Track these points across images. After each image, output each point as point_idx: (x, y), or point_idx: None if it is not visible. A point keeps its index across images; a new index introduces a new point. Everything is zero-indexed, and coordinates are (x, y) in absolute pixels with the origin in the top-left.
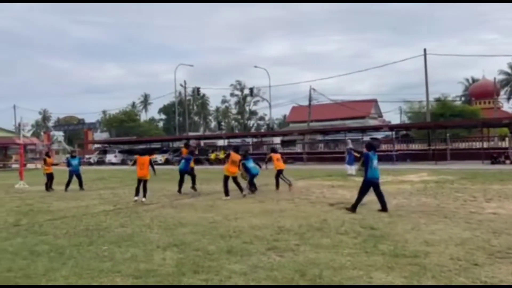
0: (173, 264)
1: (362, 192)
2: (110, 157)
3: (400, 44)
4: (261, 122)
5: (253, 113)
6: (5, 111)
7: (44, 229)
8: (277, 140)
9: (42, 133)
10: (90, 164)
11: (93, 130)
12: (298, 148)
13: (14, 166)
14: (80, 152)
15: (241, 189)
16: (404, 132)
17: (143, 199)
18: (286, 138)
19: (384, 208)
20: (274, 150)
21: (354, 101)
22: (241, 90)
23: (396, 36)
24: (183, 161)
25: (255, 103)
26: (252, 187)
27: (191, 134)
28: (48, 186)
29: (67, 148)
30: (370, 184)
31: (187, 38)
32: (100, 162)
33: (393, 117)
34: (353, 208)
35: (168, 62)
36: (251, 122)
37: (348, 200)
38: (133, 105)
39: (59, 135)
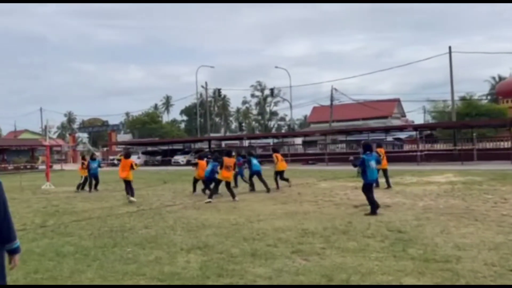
0: (197, 267)
1: (367, 194)
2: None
3: (424, 42)
4: (282, 123)
5: (273, 113)
6: (33, 113)
7: (69, 230)
8: (299, 140)
9: (67, 135)
10: (114, 165)
11: (116, 132)
12: (319, 149)
13: (41, 167)
14: (104, 153)
15: (233, 196)
16: (428, 132)
17: (132, 198)
18: (308, 138)
19: (373, 211)
20: (276, 150)
21: (376, 101)
22: (262, 91)
23: (420, 34)
24: (208, 170)
25: (276, 103)
26: (251, 186)
27: (212, 135)
28: (81, 187)
29: (91, 149)
30: (370, 185)
31: (209, 40)
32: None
33: (417, 116)
34: (373, 212)
35: (190, 64)
36: (272, 123)
37: None
38: (155, 106)
39: (83, 136)
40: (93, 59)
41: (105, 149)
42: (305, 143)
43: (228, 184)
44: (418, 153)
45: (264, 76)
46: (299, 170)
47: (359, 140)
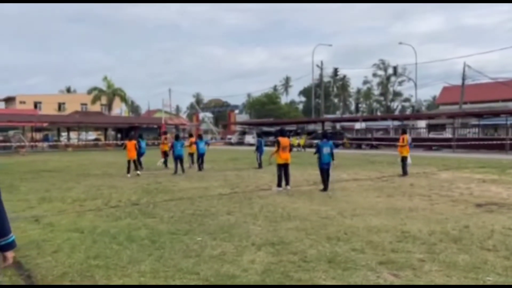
0: (259, 270)
1: (321, 174)
2: (248, 138)
3: None
4: (407, 104)
5: (397, 94)
6: (163, 94)
7: (155, 211)
8: (422, 123)
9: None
10: (230, 144)
11: (235, 112)
12: (447, 133)
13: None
14: (224, 133)
15: (288, 182)
16: None
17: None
18: (433, 121)
19: (325, 189)
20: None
21: None
22: (385, 69)
23: None
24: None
25: (400, 83)
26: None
27: (327, 116)
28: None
29: (212, 129)
30: (322, 169)
31: (330, 19)
32: (240, 143)
33: None
34: (324, 189)
35: (311, 44)
36: (395, 104)
37: (504, 200)
38: (275, 88)
39: (208, 116)
40: (221, 43)
41: (221, 129)
42: (430, 127)
43: (286, 167)
44: None
45: (389, 54)
46: (419, 157)
47: (496, 124)
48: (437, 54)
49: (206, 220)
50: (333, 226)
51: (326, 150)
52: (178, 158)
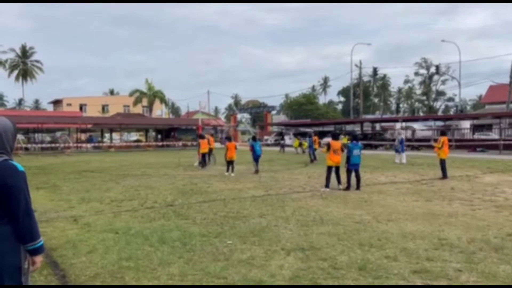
0: (287, 276)
1: (347, 174)
2: (285, 139)
3: None
4: (450, 104)
5: (440, 93)
6: (202, 95)
7: (188, 213)
8: (466, 124)
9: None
10: (267, 145)
11: (272, 113)
12: (494, 134)
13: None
14: (261, 134)
15: (339, 181)
16: None
17: (232, 174)
18: (477, 122)
19: (357, 187)
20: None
21: None
22: (427, 68)
23: None
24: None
25: (444, 82)
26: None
27: (366, 116)
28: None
29: (249, 130)
30: (352, 168)
31: (373, 15)
32: (276, 144)
33: None
34: (347, 187)
35: (351, 43)
36: (438, 104)
37: None
38: (313, 88)
39: (246, 117)
40: (260, 43)
41: (259, 130)
42: (475, 127)
43: (336, 170)
44: None
45: (433, 52)
46: (462, 159)
47: None
48: (486, 51)
49: (237, 222)
50: (366, 231)
51: (356, 152)
52: (258, 158)
